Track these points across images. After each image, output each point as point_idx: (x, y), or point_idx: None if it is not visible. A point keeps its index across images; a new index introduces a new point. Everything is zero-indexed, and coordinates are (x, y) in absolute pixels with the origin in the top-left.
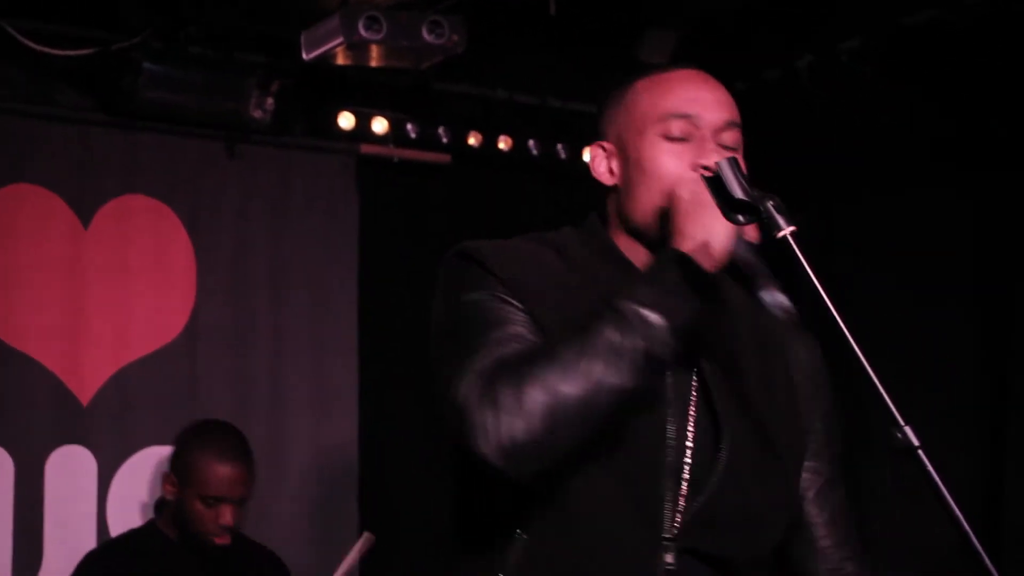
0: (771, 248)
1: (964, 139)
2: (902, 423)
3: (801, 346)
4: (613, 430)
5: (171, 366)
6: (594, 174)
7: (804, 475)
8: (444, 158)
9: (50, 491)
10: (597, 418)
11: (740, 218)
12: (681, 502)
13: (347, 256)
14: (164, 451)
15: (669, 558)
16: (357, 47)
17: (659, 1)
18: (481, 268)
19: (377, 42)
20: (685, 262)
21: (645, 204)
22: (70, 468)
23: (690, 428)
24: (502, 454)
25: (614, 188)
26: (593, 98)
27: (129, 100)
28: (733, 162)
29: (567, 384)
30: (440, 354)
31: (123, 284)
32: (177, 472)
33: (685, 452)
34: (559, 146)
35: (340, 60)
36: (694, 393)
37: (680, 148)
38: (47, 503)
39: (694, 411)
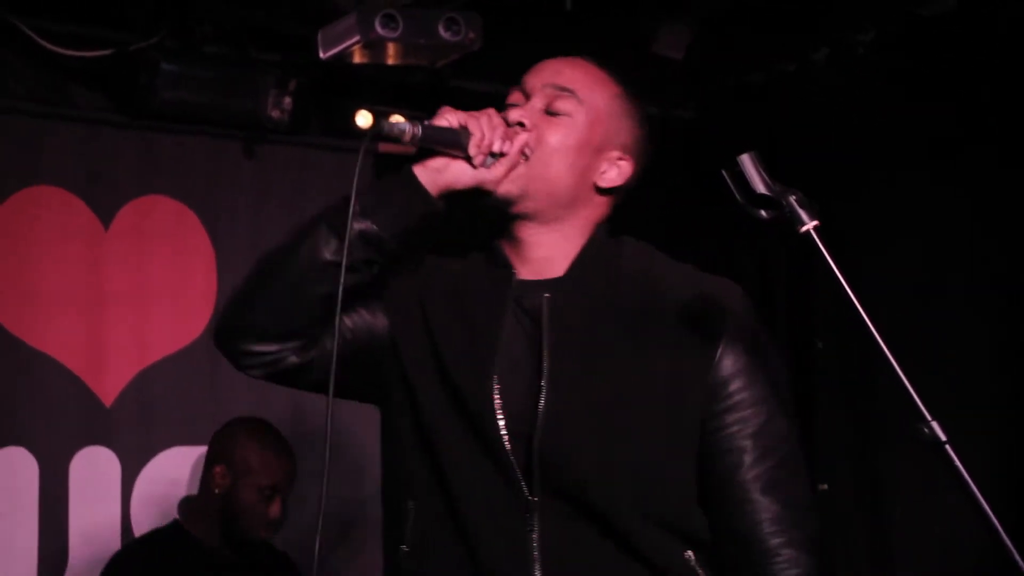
0: (794, 242)
1: (980, 132)
2: (929, 418)
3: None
4: (455, 396)
5: (193, 367)
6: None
7: (743, 456)
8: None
9: (74, 492)
10: (288, 278)
11: (763, 213)
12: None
13: None
14: (187, 451)
15: (535, 519)
16: (374, 45)
17: None
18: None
19: (394, 40)
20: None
21: None
22: (94, 469)
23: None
24: (213, 330)
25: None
26: None
27: (146, 100)
28: (754, 157)
29: (261, 259)
30: None
31: (144, 285)
32: (231, 464)
33: (531, 412)
34: None
35: (357, 58)
36: (540, 361)
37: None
38: (71, 504)
39: (538, 378)
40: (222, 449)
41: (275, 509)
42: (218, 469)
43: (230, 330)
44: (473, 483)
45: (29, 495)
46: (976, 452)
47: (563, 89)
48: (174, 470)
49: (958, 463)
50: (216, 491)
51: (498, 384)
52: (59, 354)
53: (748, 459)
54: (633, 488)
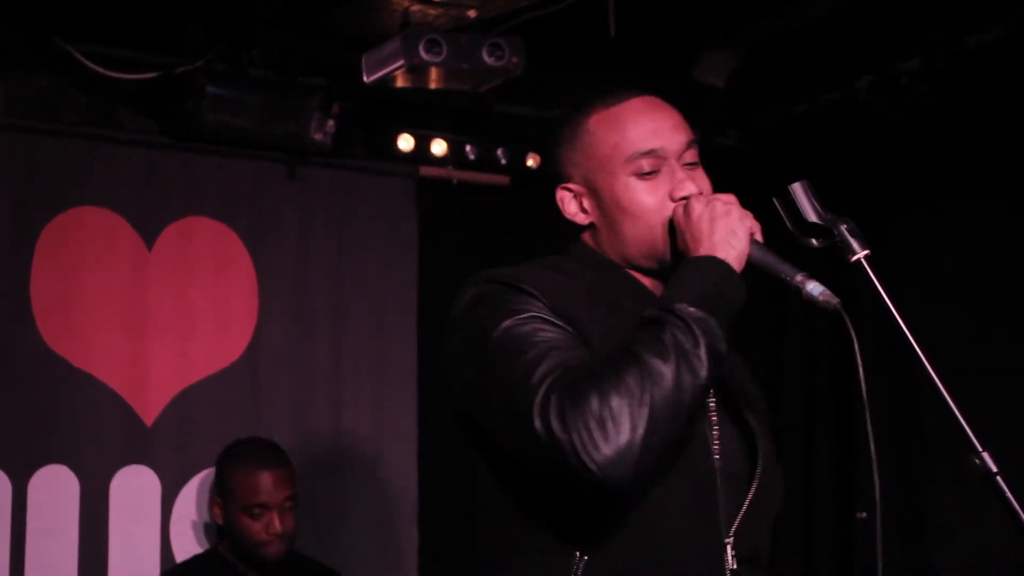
0: (841, 269)
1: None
2: (980, 449)
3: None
4: None
5: (233, 387)
6: (566, 215)
7: None
8: (503, 180)
9: (114, 510)
10: (685, 418)
11: (813, 241)
12: (732, 505)
13: (407, 277)
14: None
15: (730, 559)
16: (417, 69)
17: (718, 23)
18: (524, 293)
19: (437, 64)
20: (722, 266)
21: (632, 238)
22: (134, 488)
23: (716, 431)
24: (602, 466)
25: (591, 226)
26: None
27: (192, 123)
28: (806, 185)
29: (654, 389)
30: (493, 378)
31: (186, 305)
32: (220, 493)
33: (727, 456)
34: None
35: (400, 82)
36: (712, 399)
37: (653, 183)
38: (111, 523)
39: (715, 417)
40: (216, 482)
41: (274, 524)
42: (214, 501)
43: (629, 470)
44: (670, 529)
45: (70, 513)
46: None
47: (696, 142)
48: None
49: (1009, 494)
50: (220, 523)
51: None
52: (101, 373)
53: None
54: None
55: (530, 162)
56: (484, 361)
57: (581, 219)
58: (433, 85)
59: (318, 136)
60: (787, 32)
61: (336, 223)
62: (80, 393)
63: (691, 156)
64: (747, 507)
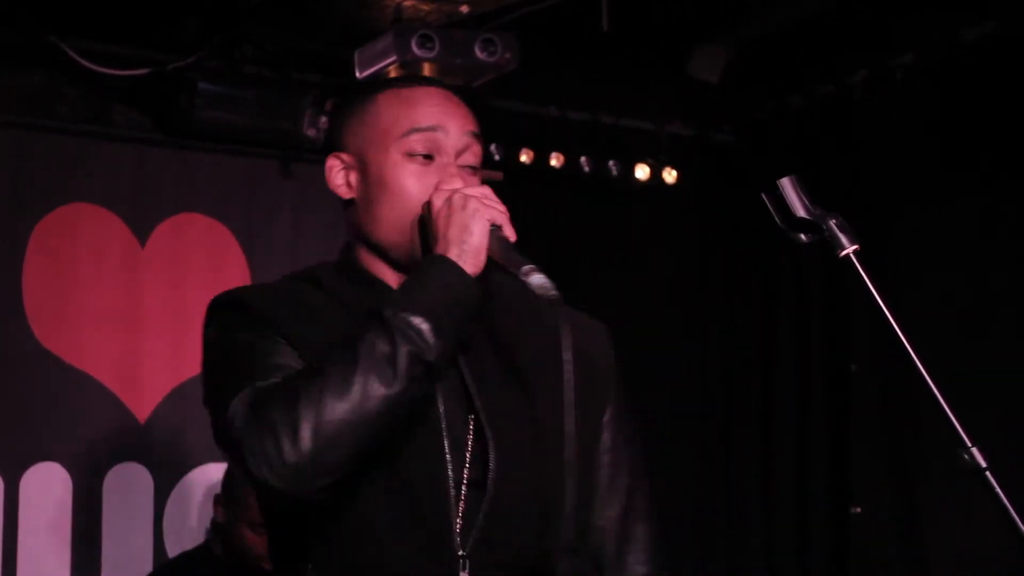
0: (834, 266)
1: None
2: (970, 444)
3: (589, 335)
4: (388, 447)
5: None
6: (330, 186)
7: (600, 470)
8: (496, 175)
9: (107, 508)
10: (371, 428)
11: (802, 236)
12: (461, 516)
13: None
14: (219, 468)
15: (464, 574)
16: (410, 65)
17: (712, 18)
18: (245, 312)
19: (430, 60)
20: (448, 266)
21: (387, 222)
22: (127, 485)
23: (469, 436)
24: (282, 476)
25: (352, 201)
26: (646, 115)
27: (185, 119)
28: (795, 181)
29: (336, 398)
30: (210, 392)
31: (179, 302)
32: (226, 499)
33: (464, 462)
34: (611, 163)
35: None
36: (466, 398)
37: (424, 169)
38: (104, 520)
39: (466, 417)
40: (223, 486)
41: None
42: (219, 499)
43: (308, 479)
44: (397, 541)
45: (63, 510)
46: (1018, 479)
47: (479, 138)
48: (207, 487)
49: (999, 490)
50: (219, 520)
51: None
52: (94, 370)
53: None
54: (551, 531)
55: (524, 157)
56: (204, 373)
57: (343, 192)
58: None
59: (311, 132)
60: (782, 27)
61: (329, 219)
62: (73, 390)
63: (472, 157)
64: (484, 519)
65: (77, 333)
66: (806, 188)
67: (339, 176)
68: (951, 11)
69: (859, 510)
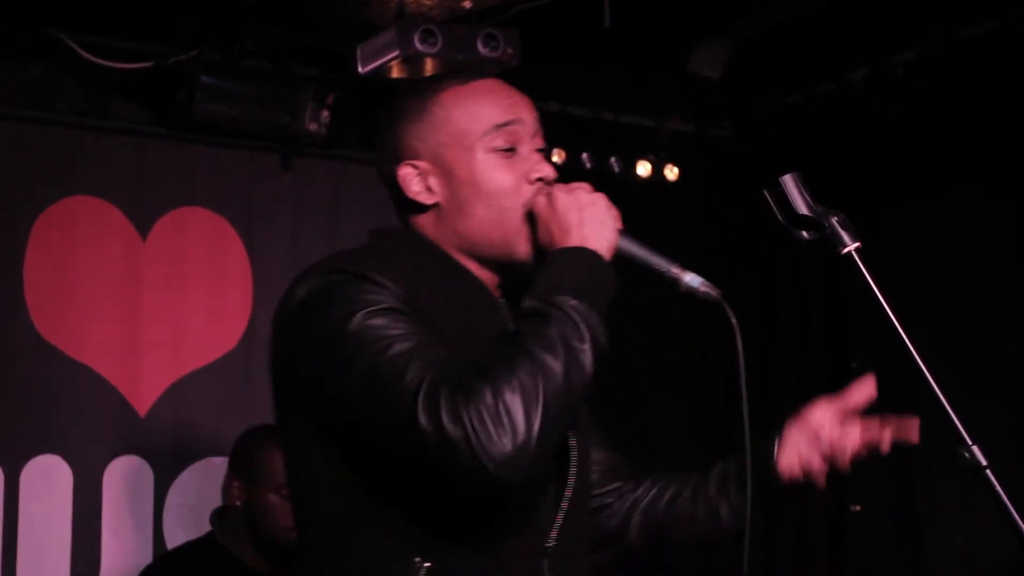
0: (834, 263)
1: (1021, 153)
2: (969, 442)
3: None
4: None
5: (227, 377)
6: (408, 195)
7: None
8: None
9: (107, 501)
10: (574, 415)
11: (804, 234)
12: (559, 511)
13: None
14: (220, 462)
15: (547, 566)
16: (412, 60)
17: (712, 14)
18: (372, 282)
19: (432, 55)
20: (590, 255)
21: (485, 220)
22: (127, 478)
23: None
24: (503, 466)
25: (435, 206)
26: (647, 111)
27: (186, 113)
28: (797, 178)
29: (547, 385)
30: (353, 372)
31: (180, 295)
32: (244, 473)
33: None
34: (612, 159)
35: (395, 73)
36: None
37: (509, 162)
38: (105, 513)
39: None
40: (236, 460)
41: None
42: (235, 483)
43: (524, 468)
44: (502, 535)
45: (63, 503)
46: (1018, 476)
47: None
48: (207, 480)
49: (999, 487)
50: (237, 503)
51: None
52: (95, 363)
53: None
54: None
55: None
56: (337, 354)
57: (424, 198)
58: (428, 76)
59: (312, 127)
60: (782, 24)
61: (330, 213)
62: (73, 383)
63: (541, 141)
64: (566, 516)
65: (78, 326)
66: (808, 186)
67: (417, 183)
68: (951, 10)
69: (859, 508)
